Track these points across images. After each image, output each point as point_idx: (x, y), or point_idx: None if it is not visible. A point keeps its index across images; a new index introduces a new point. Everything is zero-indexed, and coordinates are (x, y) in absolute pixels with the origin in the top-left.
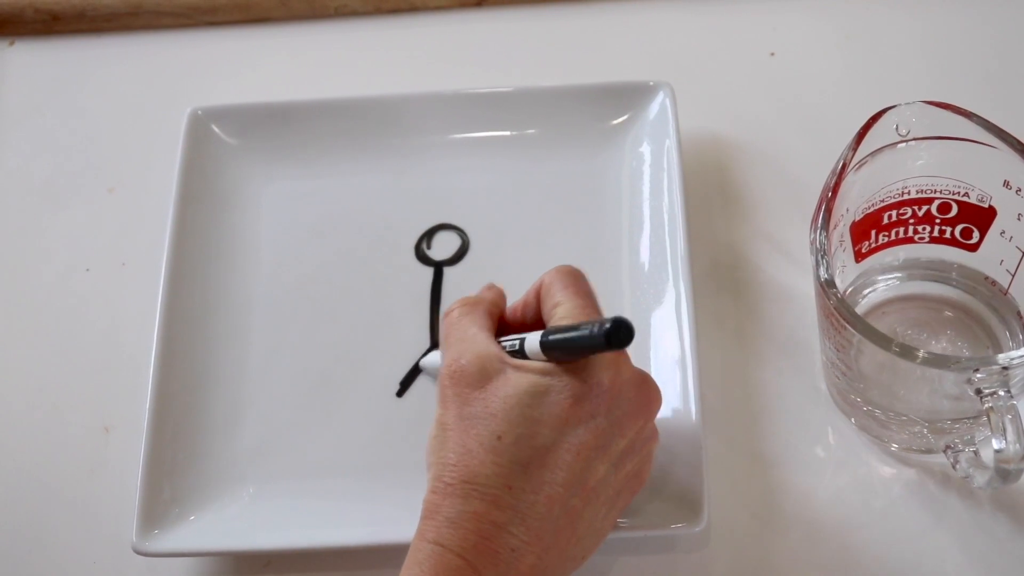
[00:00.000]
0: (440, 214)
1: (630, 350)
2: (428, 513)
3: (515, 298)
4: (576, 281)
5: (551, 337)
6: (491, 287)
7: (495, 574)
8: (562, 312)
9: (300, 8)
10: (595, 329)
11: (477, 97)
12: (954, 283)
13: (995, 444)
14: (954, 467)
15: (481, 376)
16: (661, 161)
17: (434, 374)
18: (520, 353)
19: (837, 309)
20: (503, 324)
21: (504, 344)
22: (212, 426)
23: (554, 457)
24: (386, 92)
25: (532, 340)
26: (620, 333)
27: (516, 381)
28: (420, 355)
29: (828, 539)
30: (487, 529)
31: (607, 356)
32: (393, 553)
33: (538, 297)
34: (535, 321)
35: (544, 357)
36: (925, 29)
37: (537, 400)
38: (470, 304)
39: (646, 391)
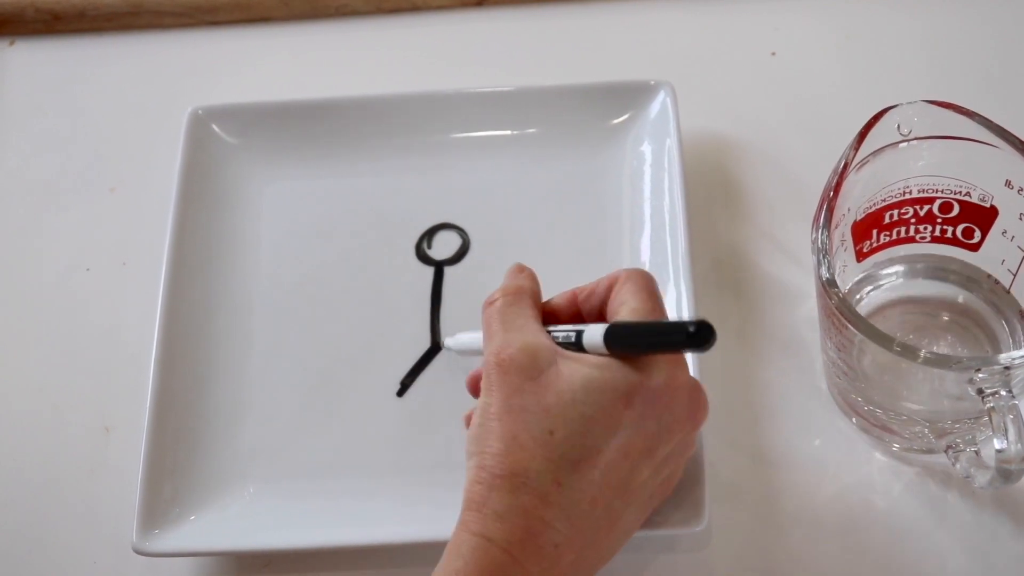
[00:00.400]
0: (441, 213)
1: None
2: (474, 505)
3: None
4: (652, 286)
5: (622, 327)
6: (522, 269)
7: (538, 570)
8: (627, 311)
9: (301, 8)
10: (675, 330)
11: (478, 96)
12: (955, 283)
13: (996, 444)
14: (955, 467)
15: (532, 366)
16: (662, 160)
17: (467, 353)
18: (575, 345)
19: (838, 309)
20: (552, 311)
21: (555, 335)
22: (212, 426)
23: (604, 457)
24: (387, 91)
25: (595, 331)
26: (704, 333)
27: (570, 375)
28: (422, 353)
29: (829, 539)
30: (534, 524)
31: (667, 358)
32: (394, 552)
33: (609, 290)
34: (593, 312)
35: (604, 350)
36: (926, 28)
37: (591, 397)
38: (513, 293)
39: (697, 399)
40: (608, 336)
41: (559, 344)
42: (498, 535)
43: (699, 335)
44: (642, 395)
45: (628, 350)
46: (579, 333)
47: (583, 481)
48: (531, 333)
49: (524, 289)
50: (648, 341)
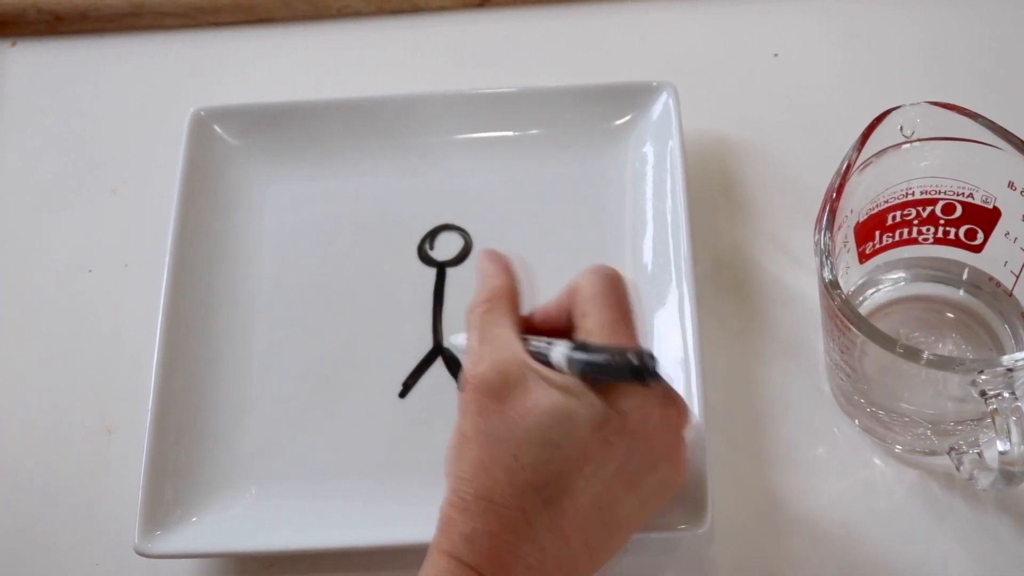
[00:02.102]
0: (443, 215)
1: None
2: (444, 526)
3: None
4: (610, 290)
5: (575, 358)
6: (493, 258)
7: None
8: (590, 326)
9: (303, 8)
10: (621, 360)
11: (480, 97)
12: (958, 284)
13: (999, 446)
14: (958, 469)
15: (502, 385)
16: (664, 162)
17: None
18: (547, 360)
19: (841, 310)
20: (533, 324)
21: (531, 345)
22: (214, 427)
23: (571, 484)
24: (389, 92)
25: (558, 354)
26: (647, 368)
27: (537, 398)
28: (424, 354)
29: (831, 540)
30: (501, 548)
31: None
32: (396, 554)
33: (571, 299)
34: (567, 324)
35: (567, 372)
36: (929, 30)
37: (558, 422)
38: (493, 299)
39: (673, 413)
40: (568, 361)
41: (534, 355)
42: (468, 557)
43: (641, 369)
44: (612, 422)
45: (587, 376)
46: (550, 347)
47: (550, 509)
48: (503, 346)
49: (501, 292)
50: (600, 369)
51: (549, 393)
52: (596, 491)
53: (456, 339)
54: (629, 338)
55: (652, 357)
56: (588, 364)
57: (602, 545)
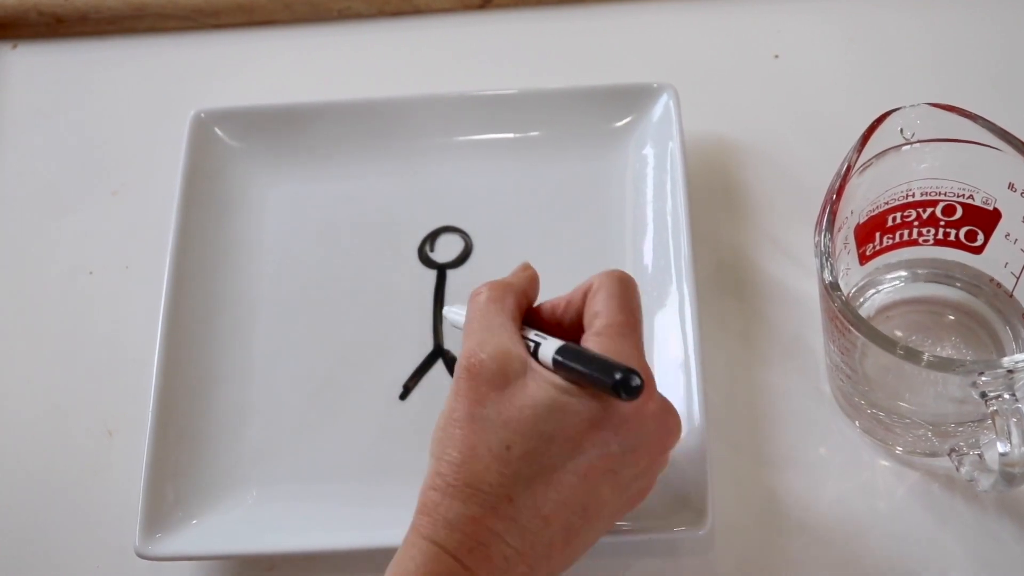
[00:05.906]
0: (443, 216)
1: None
2: (426, 509)
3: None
4: (624, 292)
5: (569, 356)
6: (526, 268)
7: None
8: (599, 326)
9: (303, 11)
10: (604, 376)
11: (481, 99)
12: (958, 286)
13: (999, 447)
14: (958, 470)
15: (500, 376)
16: (665, 163)
17: (455, 328)
18: (535, 353)
19: (841, 312)
20: (537, 317)
21: (528, 339)
22: (215, 429)
23: (560, 476)
24: (390, 94)
25: (546, 350)
26: (628, 387)
27: (535, 392)
28: (424, 356)
29: (832, 542)
30: (484, 535)
31: None
32: None
33: (584, 299)
34: (574, 321)
35: (552, 369)
36: (930, 31)
37: (553, 416)
38: (500, 288)
39: (666, 423)
40: (555, 361)
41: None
42: (449, 542)
43: (622, 387)
44: (606, 420)
45: (571, 378)
46: (539, 345)
47: (537, 499)
48: (505, 337)
49: (511, 287)
50: (584, 376)
51: (548, 389)
52: (580, 480)
53: (454, 312)
54: (634, 344)
55: (637, 377)
56: (571, 370)
57: (579, 532)
